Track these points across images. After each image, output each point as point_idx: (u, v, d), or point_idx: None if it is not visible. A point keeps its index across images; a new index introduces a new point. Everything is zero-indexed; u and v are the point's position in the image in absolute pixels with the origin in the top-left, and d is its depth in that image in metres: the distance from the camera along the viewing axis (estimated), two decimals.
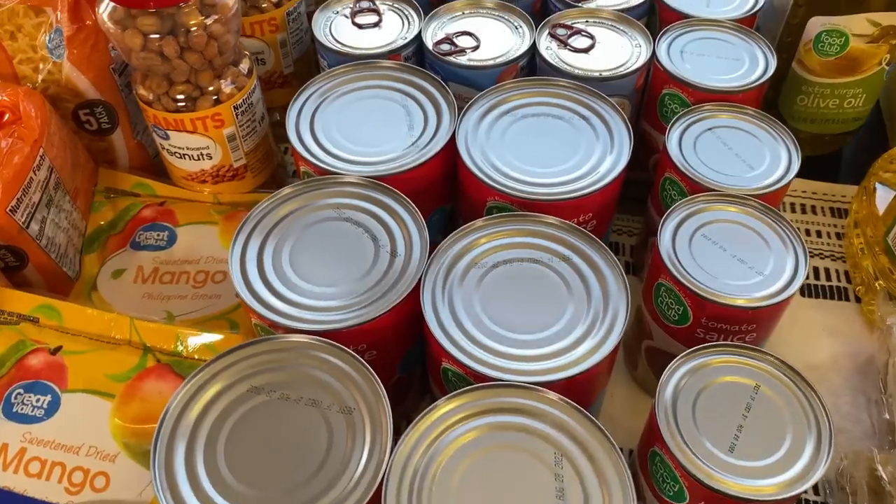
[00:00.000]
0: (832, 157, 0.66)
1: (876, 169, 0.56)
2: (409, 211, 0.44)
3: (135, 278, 0.51)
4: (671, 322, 0.44)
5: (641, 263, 0.55)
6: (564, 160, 0.46)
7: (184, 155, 0.53)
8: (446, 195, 0.51)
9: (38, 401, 0.44)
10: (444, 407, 0.36)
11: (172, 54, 0.46)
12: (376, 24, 0.56)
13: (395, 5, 0.57)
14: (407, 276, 0.41)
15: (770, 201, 0.46)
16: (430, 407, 0.36)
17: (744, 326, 0.42)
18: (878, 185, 0.55)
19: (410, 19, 0.56)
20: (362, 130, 0.48)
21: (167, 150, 0.53)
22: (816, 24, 0.55)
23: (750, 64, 0.52)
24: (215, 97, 0.50)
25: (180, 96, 0.49)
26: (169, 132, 0.51)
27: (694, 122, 0.49)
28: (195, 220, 0.54)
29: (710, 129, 0.49)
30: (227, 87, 0.51)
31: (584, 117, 0.48)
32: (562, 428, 0.35)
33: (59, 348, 0.46)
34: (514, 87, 0.50)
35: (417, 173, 0.46)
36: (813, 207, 0.61)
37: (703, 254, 0.42)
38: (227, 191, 0.56)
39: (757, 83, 0.50)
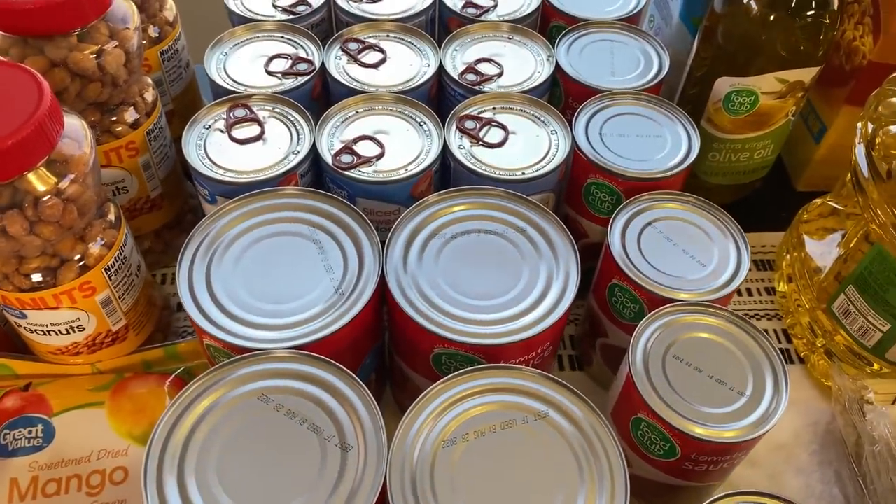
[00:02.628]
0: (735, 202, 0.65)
1: (800, 220, 0.56)
2: (356, 391, 0.37)
3: (9, 497, 0.41)
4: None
5: (589, 358, 0.51)
6: (510, 287, 0.41)
7: (48, 332, 0.43)
8: (378, 333, 0.45)
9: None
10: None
11: (20, 233, 0.37)
12: (259, 137, 0.48)
13: (278, 109, 0.50)
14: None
15: (726, 300, 0.43)
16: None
17: None
18: (806, 238, 0.54)
19: (298, 126, 0.49)
20: (273, 282, 0.41)
21: (25, 328, 0.44)
22: (725, 84, 0.53)
23: (672, 141, 0.49)
24: (81, 263, 0.41)
25: (36, 276, 0.40)
26: (26, 311, 0.42)
27: (633, 217, 0.46)
28: (74, 403, 0.44)
29: (650, 223, 0.45)
30: (94, 247, 0.42)
31: (519, 229, 0.44)
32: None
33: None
34: (437, 201, 0.45)
35: (351, 327, 0.39)
36: None
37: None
38: (108, 356, 0.47)
39: (684, 165, 0.47)
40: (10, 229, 0.36)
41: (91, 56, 0.43)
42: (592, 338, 0.50)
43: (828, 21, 0.50)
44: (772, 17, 0.50)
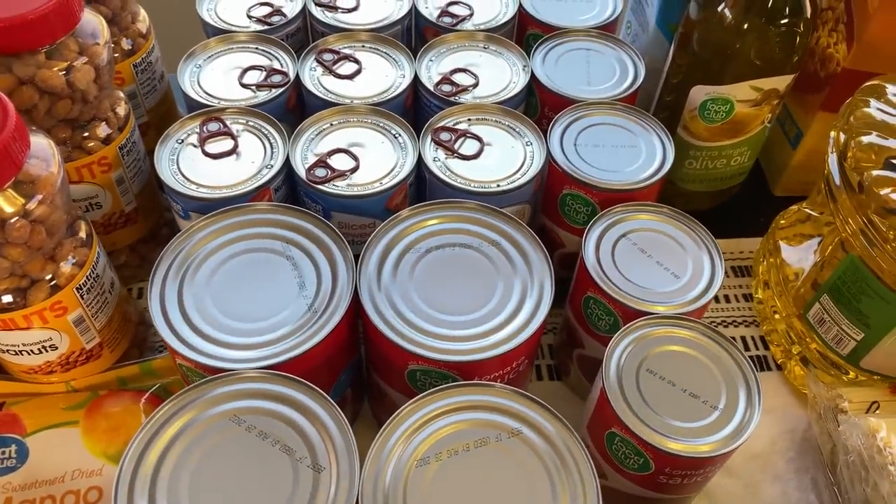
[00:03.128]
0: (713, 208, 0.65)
1: (777, 227, 0.56)
2: (328, 410, 0.37)
3: None
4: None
5: (567, 368, 0.51)
6: (484, 302, 0.41)
7: (20, 352, 0.43)
8: (354, 348, 0.45)
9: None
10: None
11: None
12: (232, 151, 0.48)
13: (251, 123, 0.49)
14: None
15: (700, 311, 0.43)
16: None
17: None
18: (782, 245, 0.54)
19: (272, 140, 0.49)
20: (245, 299, 0.40)
21: None
22: (700, 92, 0.53)
23: (647, 152, 0.49)
24: (52, 283, 0.41)
25: (6, 297, 0.39)
26: None
27: (607, 229, 0.46)
28: (48, 422, 0.44)
29: (625, 235, 0.45)
30: (65, 266, 0.41)
31: (493, 243, 0.43)
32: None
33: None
34: (410, 215, 0.44)
35: (324, 346, 0.39)
36: None
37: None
38: (82, 374, 0.46)
39: (658, 176, 0.47)
40: None
41: (60, 73, 0.42)
42: (570, 348, 0.50)
43: (801, 29, 0.50)
44: (745, 25, 0.50)
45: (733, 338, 0.56)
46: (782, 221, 0.56)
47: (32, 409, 0.45)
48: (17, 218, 0.37)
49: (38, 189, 0.38)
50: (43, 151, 0.39)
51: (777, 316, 0.54)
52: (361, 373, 0.49)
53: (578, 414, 0.49)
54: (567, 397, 0.52)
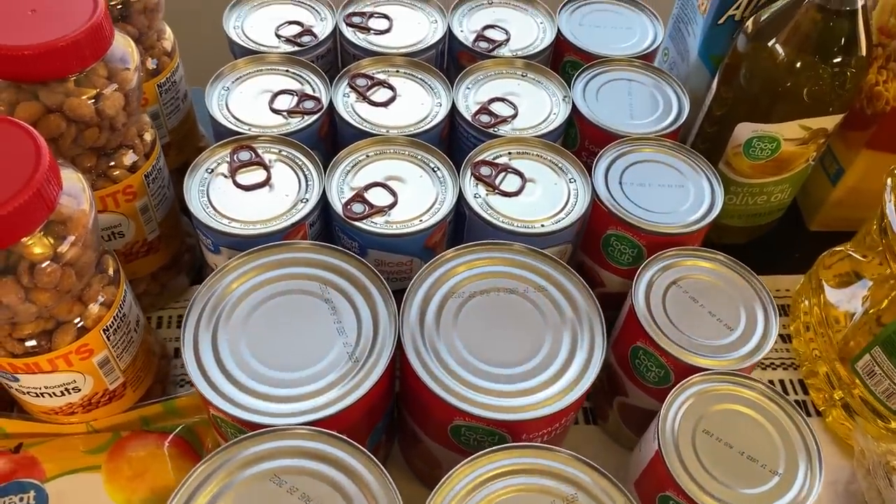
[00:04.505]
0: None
1: (821, 267, 0.54)
2: (373, 472, 0.35)
3: None
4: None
5: (605, 414, 0.50)
6: (532, 353, 0.39)
7: (41, 394, 0.41)
8: (391, 393, 0.43)
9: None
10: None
11: (15, 302, 0.34)
12: (265, 183, 0.46)
13: (284, 152, 0.47)
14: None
15: (753, 366, 0.42)
16: None
17: None
18: (826, 286, 0.53)
19: (306, 171, 0.47)
20: (282, 346, 0.38)
21: (17, 389, 0.41)
22: (746, 129, 0.51)
23: (695, 193, 0.47)
24: (79, 325, 0.39)
25: (31, 342, 0.37)
26: (19, 375, 0.39)
27: (657, 275, 0.44)
28: (68, 467, 0.42)
29: (675, 282, 0.44)
30: (93, 307, 0.39)
31: (540, 288, 0.42)
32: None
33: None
34: (453, 257, 0.42)
35: (366, 399, 0.37)
36: None
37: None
38: (104, 414, 0.44)
39: (708, 220, 0.46)
40: (4, 299, 0.34)
41: (89, 101, 0.40)
42: (610, 395, 0.48)
43: (856, 68, 0.48)
44: (798, 63, 0.48)
45: (771, 381, 0.54)
46: (826, 261, 0.54)
47: (52, 451, 0.43)
48: (47, 262, 0.35)
49: (69, 230, 0.36)
50: (73, 188, 0.37)
51: (818, 359, 0.52)
52: (393, 415, 0.47)
53: (618, 462, 0.48)
54: (606, 444, 0.50)
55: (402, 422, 0.45)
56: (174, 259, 0.53)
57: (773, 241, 0.62)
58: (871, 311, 0.47)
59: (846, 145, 0.58)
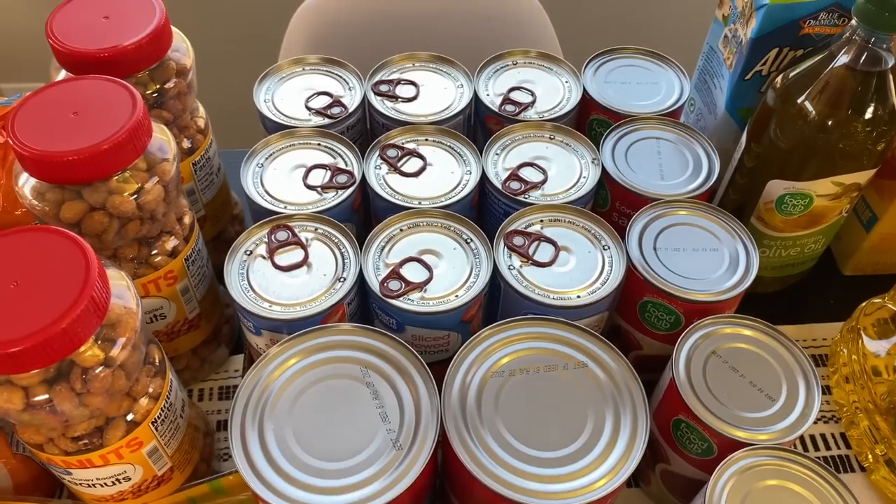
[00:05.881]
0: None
1: (860, 315, 0.54)
2: None
3: None
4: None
5: (647, 478, 0.50)
6: (574, 435, 0.39)
7: (93, 485, 0.42)
8: (435, 478, 0.43)
9: None
10: None
11: (69, 409, 0.35)
12: (303, 262, 0.46)
13: (321, 230, 0.48)
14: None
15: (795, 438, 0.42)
16: None
17: None
18: (864, 337, 0.52)
19: (342, 248, 0.47)
20: (327, 434, 0.39)
21: (69, 481, 0.42)
22: (778, 187, 0.51)
23: (730, 256, 0.47)
24: (130, 419, 0.39)
25: (83, 440, 0.38)
26: (71, 470, 0.40)
27: (696, 345, 0.44)
28: None
29: (714, 352, 0.44)
30: (142, 401, 0.40)
31: (580, 364, 0.42)
32: None
33: None
34: (491, 334, 0.43)
35: (412, 488, 0.37)
36: None
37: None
38: (153, 498, 0.45)
39: (744, 285, 0.46)
40: (59, 406, 0.35)
41: (131, 198, 0.41)
42: (652, 461, 0.48)
43: (888, 123, 0.48)
44: (829, 122, 0.48)
45: (812, 435, 0.54)
46: (866, 310, 0.54)
47: None
48: (100, 368, 0.35)
49: (119, 333, 0.36)
50: (120, 289, 0.38)
51: (859, 413, 0.52)
52: (436, 488, 0.47)
53: None
54: None
55: (446, 495, 0.46)
56: (214, 333, 0.54)
57: (807, 287, 0.62)
58: None
59: (879, 194, 0.57)
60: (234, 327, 0.57)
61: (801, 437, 0.53)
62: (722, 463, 0.39)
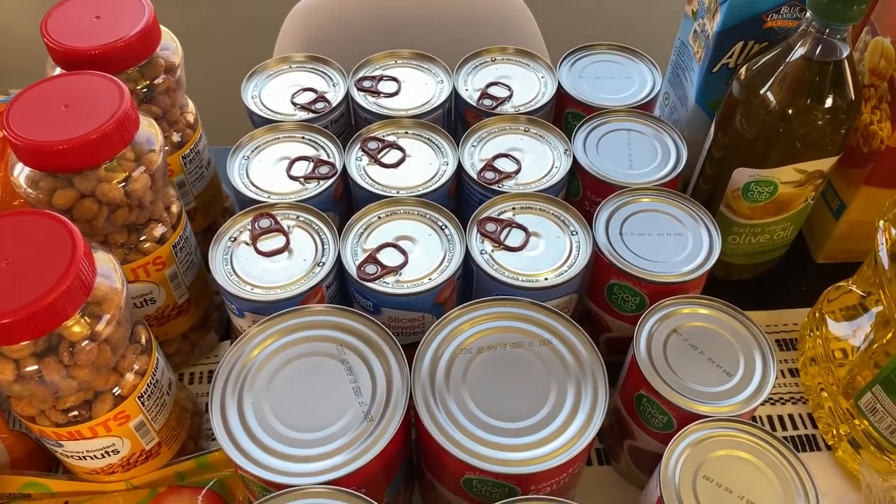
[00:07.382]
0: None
1: (824, 301, 0.55)
2: None
3: None
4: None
5: (617, 455, 0.51)
6: (537, 406, 0.41)
7: (84, 457, 0.44)
8: (409, 446, 0.45)
9: None
10: None
11: (58, 379, 0.38)
12: (285, 248, 0.49)
13: (302, 218, 0.50)
14: None
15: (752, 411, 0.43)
16: None
17: None
18: (829, 319, 0.54)
19: (322, 235, 0.49)
20: (302, 407, 0.41)
21: (62, 453, 0.44)
22: (743, 175, 0.53)
23: (693, 241, 0.49)
24: (116, 394, 0.42)
25: (72, 412, 0.41)
26: (62, 442, 0.42)
27: (658, 324, 0.46)
28: None
29: (675, 330, 0.46)
30: (129, 376, 0.42)
31: (545, 341, 0.44)
32: None
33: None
34: (460, 314, 0.45)
35: (382, 455, 0.40)
36: None
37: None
38: (142, 472, 0.47)
39: (706, 267, 0.48)
40: (48, 377, 0.37)
41: (119, 185, 0.44)
42: (620, 437, 0.50)
43: (846, 113, 0.50)
44: (790, 110, 0.50)
45: (780, 416, 0.56)
46: (830, 295, 0.56)
47: None
48: (86, 342, 0.38)
49: (104, 309, 0.39)
50: (106, 269, 0.40)
51: (824, 394, 0.54)
52: (412, 462, 0.49)
53: (632, 502, 0.50)
54: (620, 484, 0.52)
55: (422, 472, 0.48)
56: (203, 318, 0.56)
57: (781, 274, 0.64)
58: (875, 346, 0.49)
59: (846, 182, 0.59)
60: (223, 314, 0.59)
61: (771, 418, 0.55)
62: (677, 435, 0.41)
